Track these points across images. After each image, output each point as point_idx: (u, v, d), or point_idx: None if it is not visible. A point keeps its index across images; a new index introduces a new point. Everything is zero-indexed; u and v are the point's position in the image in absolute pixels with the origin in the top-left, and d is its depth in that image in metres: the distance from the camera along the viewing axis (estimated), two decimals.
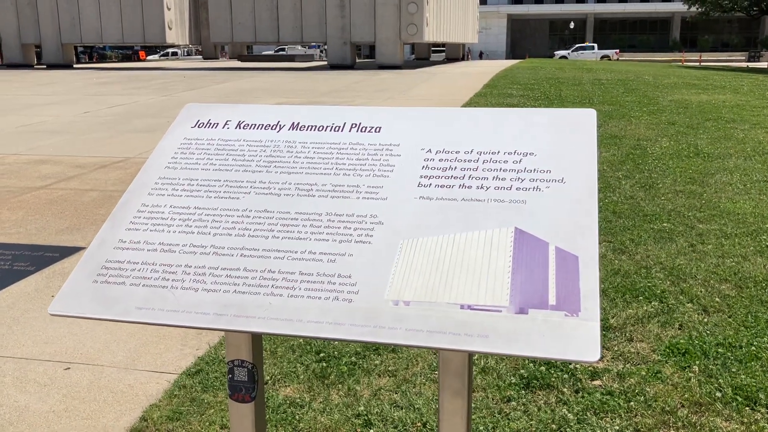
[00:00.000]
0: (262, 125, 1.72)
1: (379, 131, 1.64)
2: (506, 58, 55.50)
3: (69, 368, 2.97)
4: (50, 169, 7.21)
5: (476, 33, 39.83)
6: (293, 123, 1.71)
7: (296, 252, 1.40)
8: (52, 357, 3.07)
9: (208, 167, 1.62)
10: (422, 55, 36.89)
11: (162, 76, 20.48)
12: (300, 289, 1.32)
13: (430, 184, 1.48)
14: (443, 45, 39.03)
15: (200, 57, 44.62)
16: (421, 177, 1.50)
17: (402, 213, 1.43)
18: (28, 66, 27.47)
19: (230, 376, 1.51)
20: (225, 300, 1.33)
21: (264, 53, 39.38)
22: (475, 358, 2.90)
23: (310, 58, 37.96)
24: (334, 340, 1.23)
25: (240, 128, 1.72)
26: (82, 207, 5.66)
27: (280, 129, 1.70)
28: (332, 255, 1.38)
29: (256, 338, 1.52)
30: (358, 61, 27.63)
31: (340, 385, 2.69)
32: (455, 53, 37.98)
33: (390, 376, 2.76)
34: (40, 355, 3.09)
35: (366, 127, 1.65)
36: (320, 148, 1.62)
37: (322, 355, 2.92)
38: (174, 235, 1.48)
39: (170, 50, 55.73)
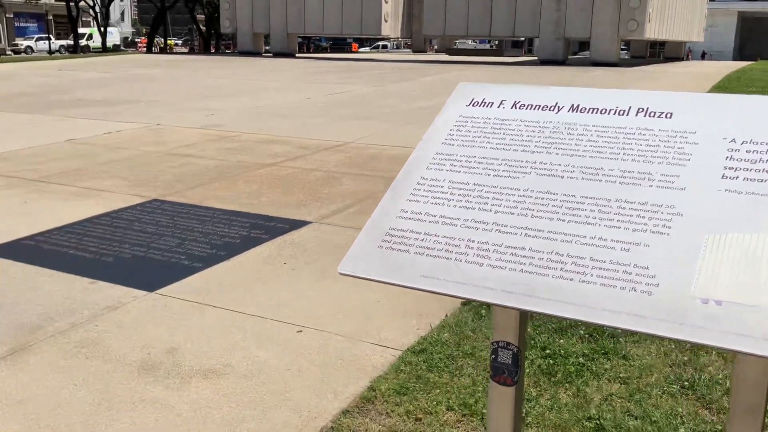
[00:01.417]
0: (539, 106, 1.67)
1: (670, 117, 1.52)
2: (733, 60, 50.77)
3: (301, 331, 3.16)
4: (279, 148, 7.78)
5: (702, 31, 36.81)
6: (573, 105, 1.64)
7: (584, 237, 1.33)
8: (286, 319, 3.29)
9: (485, 145, 1.61)
10: (638, 53, 34.80)
11: (374, 68, 21.32)
12: (592, 275, 1.26)
13: (737, 177, 1.34)
14: (663, 43, 36.58)
15: (409, 50, 45.83)
16: (726, 168, 1.37)
17: (705, 205, 1.31)
18: (257, 54, 29.96)
19: (493, 357, 1.49)
20: (512, 278, 1.31)
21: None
22: None
23: (519, 52, 37.44)
24: (633, 332, 1.15)
25: (516, 108, 1.69)
26: (307, 185, 6.03)
27: (558, 110, 1.64)
28: (625, 244, 1.30)
29: (523, 322, 1.48)
30: (569, 57, 26.66)
31: (567, 385, 2.60)
32: (675, 52, 35.38)
33: (621, 383, 2.61)
34: (275, 315, 3.33)
35: (654, 113, 1.54)
36: (604, 131, 1.54)
37: (548, 351, 2.84)
38: (454, 209, 1.48)
39: (380, 43, 57.86)
